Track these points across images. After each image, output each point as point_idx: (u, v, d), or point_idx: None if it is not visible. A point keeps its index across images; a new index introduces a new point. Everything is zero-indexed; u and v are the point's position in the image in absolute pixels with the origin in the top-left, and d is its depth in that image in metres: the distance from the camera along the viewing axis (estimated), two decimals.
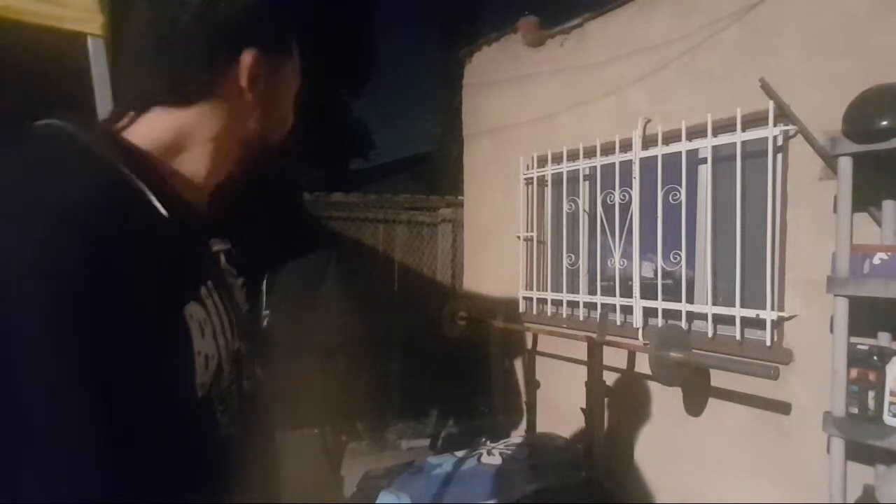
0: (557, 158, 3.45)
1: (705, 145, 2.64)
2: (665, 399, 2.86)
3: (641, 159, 2.94)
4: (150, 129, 0.57)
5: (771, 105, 2.35)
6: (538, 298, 3.66)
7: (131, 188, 0.52)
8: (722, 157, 2.66)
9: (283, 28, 0.65)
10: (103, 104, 1.29)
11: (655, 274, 2.89)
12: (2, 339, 0.40)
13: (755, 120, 2.46)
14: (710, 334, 2.68)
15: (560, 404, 3.28)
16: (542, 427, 3.31)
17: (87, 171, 0.49)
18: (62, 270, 0.42)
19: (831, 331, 2.01)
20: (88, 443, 0.42)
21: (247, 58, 0.59)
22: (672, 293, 2.84)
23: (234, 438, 0.60)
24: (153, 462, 0.47)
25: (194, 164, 0.60)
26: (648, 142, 2.94)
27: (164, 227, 0.53)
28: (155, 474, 0.47)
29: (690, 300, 2.76)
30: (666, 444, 2.87)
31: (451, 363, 4.14)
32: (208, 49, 0.57)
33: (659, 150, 2.83)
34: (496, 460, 2.52)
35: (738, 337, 2.52)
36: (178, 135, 0.58)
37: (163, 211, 0.53)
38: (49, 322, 0.41)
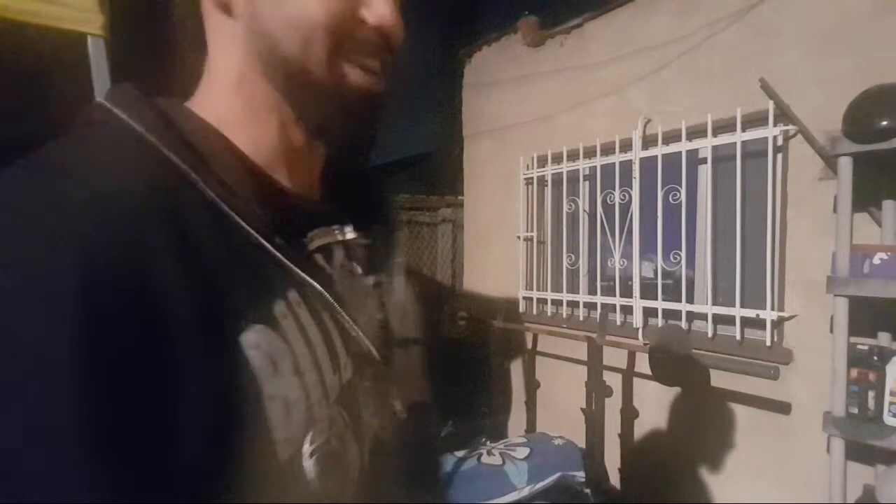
0: (557, 158, 3.45)
1: (705, 145, 2.64)
2: (665, 399, 2.86)
3: (641, 159, 2.94)
4: (203, 96, 0.48)
5: (771, 105, 2.35)
6: (538, 298, 3.66)
7: (178, 181, 0.40)
8: (722, 157, 2.66)
9: None
10: None
11: (655, 274, 2.89)
12: (29, 382, 0.31)
13: (755, 120, 2.46)
14: (710, 334, 2.68)
15: (560, 404, 3.29)
16: (542, 427, 3.31)
17: (125, 171, 0.39)
18: (58, 301, 0.32)
19: (831, 331, 2.01)
20: None
21: None
22: (672, 293, 2.84)
23: None
24: None
25: (250, 128, 0.47)
26: (648, 142, 2.94)
27: (214, 228, 0.41)
28: None
29: (690, 300, 2.76)
30: (666, 444, 2.87)
31: (451, 363, 4.14)
32: None
33: (659, 150, 2.83)
34: (496, 460, 2.51)
35: (738, 337, 2.52)
36: (218, 94, 0.47)
37: (224, 207, 0.41)
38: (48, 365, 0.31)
